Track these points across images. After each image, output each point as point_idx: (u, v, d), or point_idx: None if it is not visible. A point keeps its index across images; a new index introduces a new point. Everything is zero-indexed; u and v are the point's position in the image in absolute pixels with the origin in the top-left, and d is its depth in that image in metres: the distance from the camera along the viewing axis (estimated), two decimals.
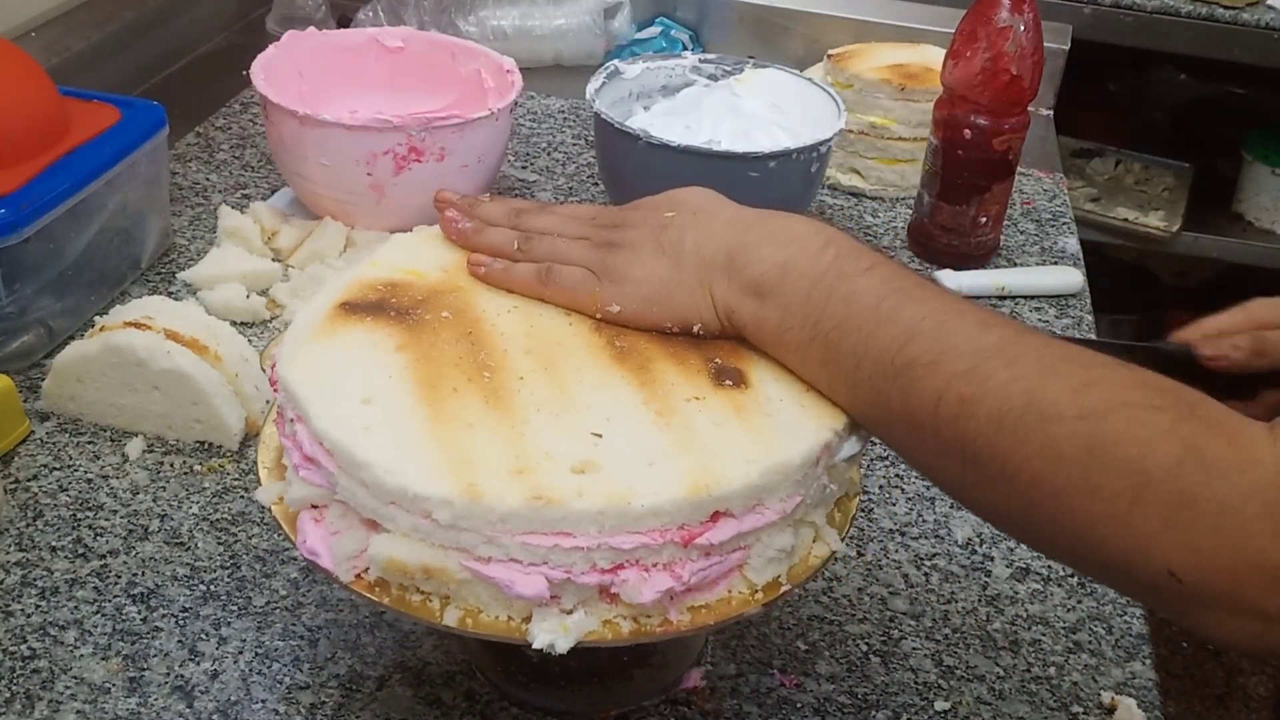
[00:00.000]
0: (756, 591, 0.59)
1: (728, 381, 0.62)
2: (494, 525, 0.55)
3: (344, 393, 0.60)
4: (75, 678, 0.70)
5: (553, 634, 0.56)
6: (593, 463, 0.57)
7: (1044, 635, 0.79)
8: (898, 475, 0.91)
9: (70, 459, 0.86)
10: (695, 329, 0.64)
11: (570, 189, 1.27)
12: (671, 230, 0.65)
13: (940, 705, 0.74)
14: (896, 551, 0.85)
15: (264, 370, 0.89)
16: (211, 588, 0.77)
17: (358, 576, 0.59)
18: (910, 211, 1.23)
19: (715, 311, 0.63)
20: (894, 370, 0.56)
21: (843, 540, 0.63)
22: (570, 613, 0.57)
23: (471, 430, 0.58)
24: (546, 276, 0.66)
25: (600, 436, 0.58)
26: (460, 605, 0.58)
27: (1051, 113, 1.52)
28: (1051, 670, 0.77)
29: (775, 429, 0.60)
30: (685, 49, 1.54)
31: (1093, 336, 1.09)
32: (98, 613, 0.75)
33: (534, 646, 0.56)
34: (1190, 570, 0.49)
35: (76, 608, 0.75)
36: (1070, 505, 0.52)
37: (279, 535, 0.81)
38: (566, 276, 0.66)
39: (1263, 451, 0.49)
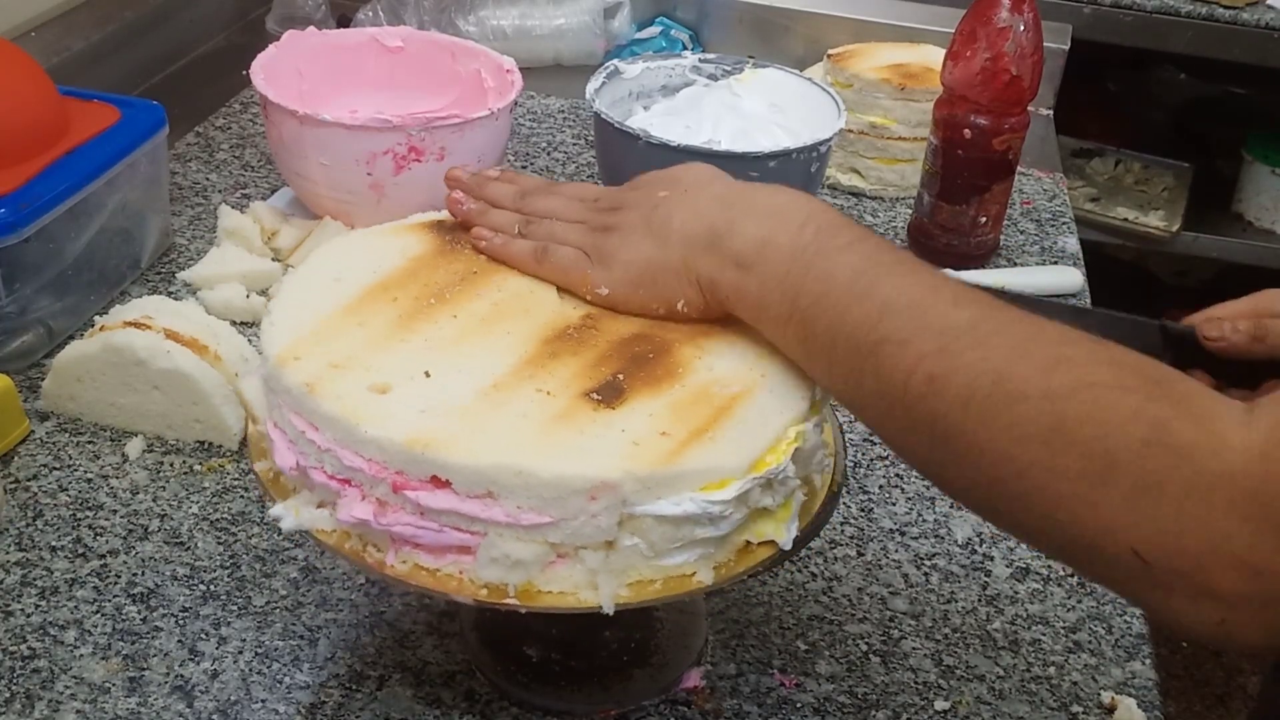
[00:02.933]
0: (482, 587, 0.58)
1: (596, 396, 0.60)
2: (281, 394, 0.60)
3: (333, 268, 0.68)
4: (75, 677, 0.70)
5: (284, 513, 0.60)
6: (388, 388, 0.59)
7: (1044, 635, 0.79)
8: (898, 475, 0.91)
9: (70, 459, 0.86)
10: (679, 305, 0.65)
11: None
12: (661, 210, 0.66)
13: (940, 705, 0.74)
14: (896, 551, 0.85)
15: None
16: (211, 588, 0.77)
17: None
18: (910, 211, 1.23)
19: (699, 287, 0.64)
20: (867, 348, 0.57)
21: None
22: (320, 507, 0.60)
23: (358, 328, 0.63)
24: (542, 255, 0.68)
25: (428, 376, 0.60)
26: (271, 460, 0.63)
27: (1051, 113, 1.52)
28: (1051, 670, 0.77)
29: (563, 444, 0.57)
30: (685, 49, 1.54)
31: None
32: (98, 612, 0.75)
33: (269, 513, 0.61)
34: (1155, 552, 0.49)
35: (76, 607, 0.75)
36: (1035, 485, 0.52)
37: (279, 535, 0.81)
38: (561, 257, 0.67)
39: (1233, 435, 0.49)
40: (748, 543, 0.61)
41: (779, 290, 0.60)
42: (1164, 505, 0.49)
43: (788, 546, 0.61)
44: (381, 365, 0.61)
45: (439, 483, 0.56)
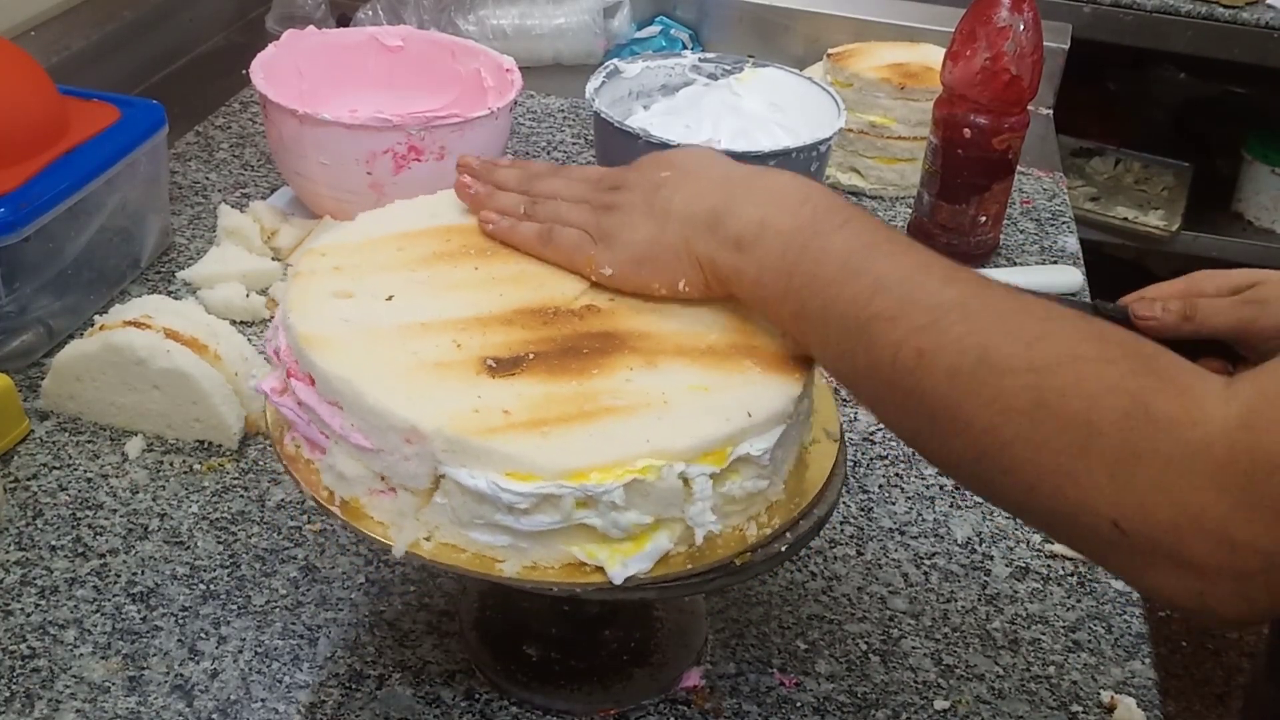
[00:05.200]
0: (325, 489, 0.62)
1: (492, 363, 0.61)
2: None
3: (436, 206, 0.73)
4: (75, 677, 0.70)
5: (260, 375, 0.67)
6: (349, 296, 0.65)
7: (1044, 634, 0.79)
8: (897, 475, 0.92)
9: (70, 458, 0.86)
10: (680, 285, 0.65)
11: None
12: (664, 191, 0.66)
13: (940, 704, 0.74)
14: (896, 551, 0.85)
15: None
16: (211, 587, 0.77)
17: None
18: (910, 211, 1.23)
19: (699, 267, 0.65)
20: (859, 325, 0.57)
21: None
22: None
23: (395, 251, 0.69)
24: (547, 237, 0.69)
25: (389, 299, 0.65)
26: None
27: (1051, 112, 1.52)
28: (1051, 669, 0.77)
29: (415, 387, 0.59)
30: (685, 48, 1.54)
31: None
32: (97, 612, 0.75)
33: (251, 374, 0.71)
34: (1133, 523, 0.50)
35: (76, 607, 0.75)
36: (1019, 457, 0.52)
37: (279, 534, 0.81)
38: (565, 238, 0.68)
39: (1213, 408, 0.49)
40: (583, 563, 0.59)
41: (774, 270, 0.61)
42: (1143, 476, 0.49)
43: (616, 581, 0.58)
44: (368, 280, 0.66)
45: (311, 380, 0.61)
